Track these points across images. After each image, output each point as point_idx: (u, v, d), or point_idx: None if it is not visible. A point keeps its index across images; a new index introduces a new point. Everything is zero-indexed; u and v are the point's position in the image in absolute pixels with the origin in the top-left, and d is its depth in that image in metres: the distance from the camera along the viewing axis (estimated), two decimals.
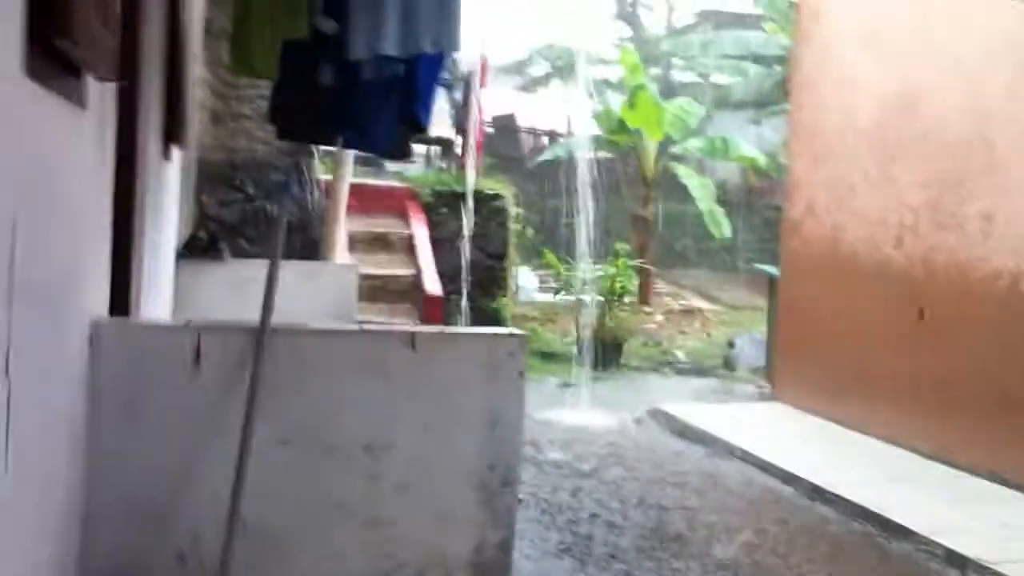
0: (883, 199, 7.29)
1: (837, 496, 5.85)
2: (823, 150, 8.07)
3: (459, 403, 3.49)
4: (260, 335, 3.22)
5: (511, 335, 3.57)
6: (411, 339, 3.44)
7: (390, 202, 10.12)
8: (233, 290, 5.52)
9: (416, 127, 3.71)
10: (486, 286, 10.36)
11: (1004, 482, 6.03)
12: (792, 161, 8.65)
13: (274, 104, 3.59)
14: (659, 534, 5.24)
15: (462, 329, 4.03)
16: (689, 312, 13.56)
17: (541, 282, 13.74)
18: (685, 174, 14.12)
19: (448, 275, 9.58)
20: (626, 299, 11.22)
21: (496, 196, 10.62)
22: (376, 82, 3.39)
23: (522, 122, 18.21)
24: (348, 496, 3.37)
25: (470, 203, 10.01)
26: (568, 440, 7.12)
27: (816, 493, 5.97)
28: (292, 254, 6.99)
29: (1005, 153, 6.23)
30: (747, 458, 6.69)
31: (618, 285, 10.75)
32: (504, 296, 10.51)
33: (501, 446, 3.52)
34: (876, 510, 5.58)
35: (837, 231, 7.78)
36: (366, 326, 3.64)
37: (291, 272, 5.11)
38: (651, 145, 14.11)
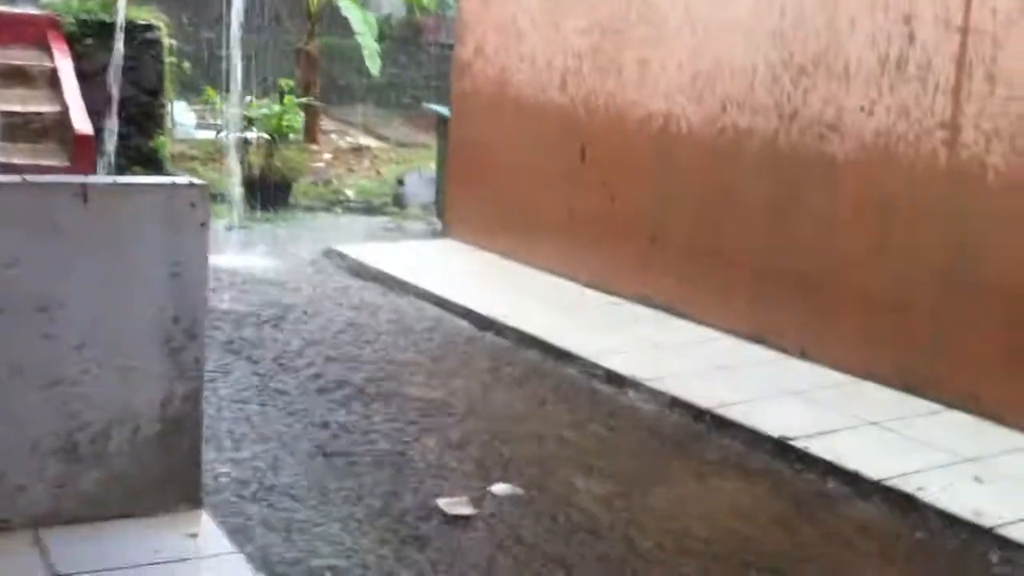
0: (549, 44, 7.53)
1: (508, 327, 6.20)
2: None
3: (138, 257, 3.35)
4: None
5: (192, 185, 3.43)
6: (83, 191, 3.23)
7: (29, 31, 9.13)
8: None
9: None
10: (141, 123, 9.72)
11: (653, 305, 6.63)
12: (461, 2, 8.68)
13: None
14: (348, 376, 5.34)
15: (138, 180, 3.81)
16: (358, 150, 13.47)
17: (199, 118, 13.10)
18: (347, 6, 13.76)
19: (99, 112, 8.89)
20: (291, 137, 10.96)
21: (149, 27, 9.86)
22: None
23: None
24: (23, 358, 3.19)
25: (119, 29, 9.23)
26: (242, 286, 6.98)
27: (490, 325, 6.30)
28: None
29: (664, 5, 6.59)
30: (423, 295, 6.89)
31: (285, 123, 10.46)
32: (162, 134, 9.94)
33: (184, 299, 3.44)
34: (543, 337, 5.99)
35: (506, 73, 7.97)
36: (27, 177, 3.33)
37: None
38: None
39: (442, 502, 3.98)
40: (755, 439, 4.68)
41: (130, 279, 3.35)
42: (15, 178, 3.27)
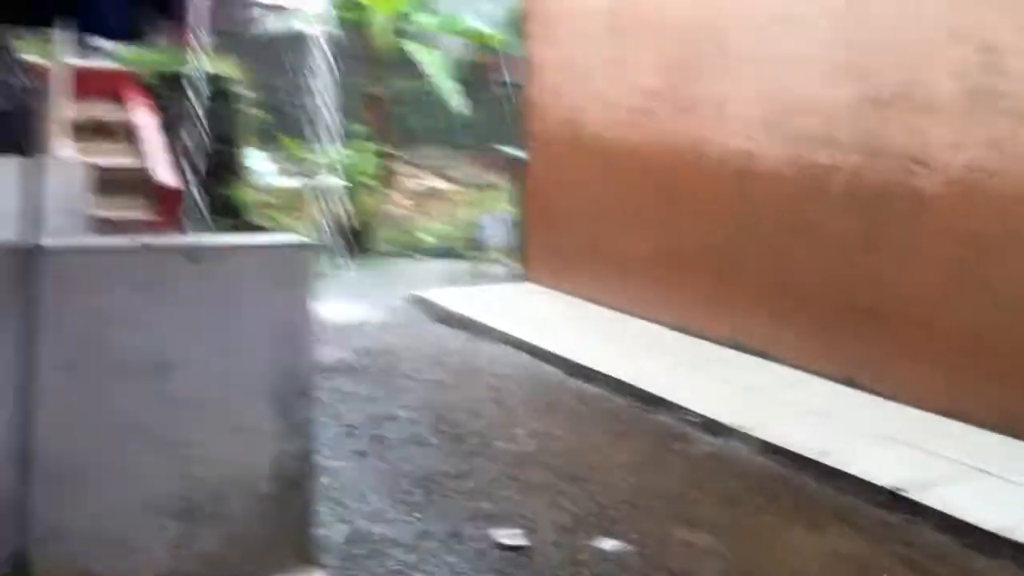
0: (621, 83, 7.52)
1: (598, 373, 6.14)
2: (560, 33, 8.19)
3: (248, 316, 3.39)
4: (28, 255, 2.96)
5: (299, 244, 3.48)
6: (194, 253, 3.28)
7: (109, 86, 9.37)
8: None
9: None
10: (221, 174, 9.91)
11: (741, 348, 6.53)
12: (529, 43, 8.72)
13: None
14: (442, 425, 5.33)
15: (247, 239, 3.87)
16: (431, 193, 13.57)
17: (277, 167, 13.29)
18: (416, 49, 13.92)
19: (178, 163, 9.07)
20: (367, 183, 11.09)
21: (226, 78, 10.09)
22: None
23: None
24: (141, 418, 3.23)
25: (198, 82, 9.42)
26: (336, 336, 7.00)
27: (579, 371, 6.25)
28: (7, 148, 6.38)
29: (736, 43, 6.56)
30: (510, 341, 6.88)
31: (363, 170, 10.58)
32: (241, 184, 10.12)
33: (294, 357, 3.47)
34: (634, 383, 5.92)
35: (577, 113, 7.97)
36: (143, 241, 3.39)
37: (11, 170, 4.72)
38: (382, 20, 13.78)
39: (496, 532, 4.03)
40: (861, 488, 4.55)
41: (240, 338, 3.38)
42: (135, 243, 3.31)
